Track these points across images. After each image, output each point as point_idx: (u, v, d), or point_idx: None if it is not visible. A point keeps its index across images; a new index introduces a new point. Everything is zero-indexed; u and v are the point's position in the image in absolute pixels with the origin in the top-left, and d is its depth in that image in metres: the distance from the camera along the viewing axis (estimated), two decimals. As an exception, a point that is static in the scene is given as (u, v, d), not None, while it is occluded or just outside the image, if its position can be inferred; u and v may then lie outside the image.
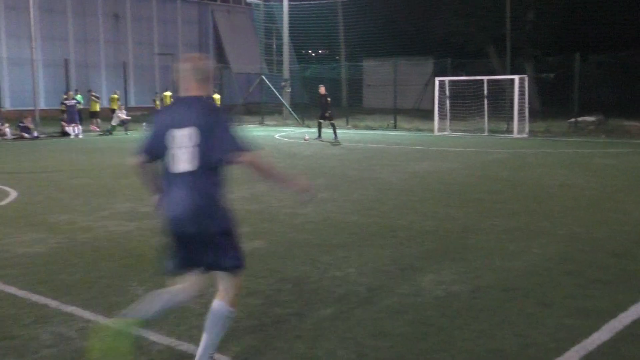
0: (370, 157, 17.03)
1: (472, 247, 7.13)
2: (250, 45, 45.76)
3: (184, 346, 4.32)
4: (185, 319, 4.83)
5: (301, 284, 5.76)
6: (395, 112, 29.60)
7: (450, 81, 26.65)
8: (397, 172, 13.63)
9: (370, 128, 22.50)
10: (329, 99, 22.71)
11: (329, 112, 22.67)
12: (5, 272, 6.12)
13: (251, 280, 5.84)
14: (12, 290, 5.57)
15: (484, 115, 25.56)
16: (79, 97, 27.58)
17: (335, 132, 22.29)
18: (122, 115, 27.40)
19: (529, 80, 24.86)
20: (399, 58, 32.51)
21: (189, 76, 3.78)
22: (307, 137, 22.66)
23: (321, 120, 23.10)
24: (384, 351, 4.27)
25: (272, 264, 6.43)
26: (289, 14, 34.60)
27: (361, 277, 5.98)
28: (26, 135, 24.29)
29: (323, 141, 22.13)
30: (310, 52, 48.25)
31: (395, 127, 28.87)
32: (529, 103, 24.73)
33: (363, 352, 4.25)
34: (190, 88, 3.79)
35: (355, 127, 29.66)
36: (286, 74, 35.04)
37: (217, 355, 4.14)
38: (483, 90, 25.32)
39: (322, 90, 22.96)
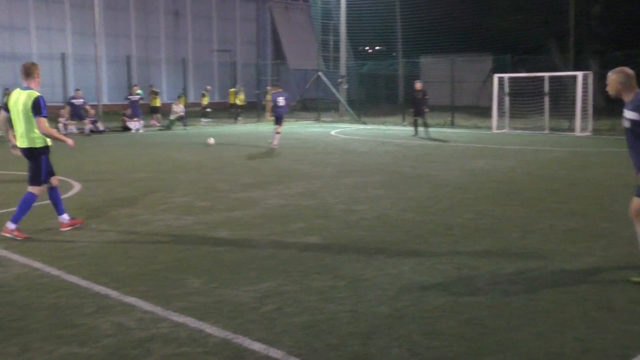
0: (427, 155, 16.86)
1: (529, 247, 6.98)
2: (307, 41, 45.90)
3: (239, 339, 4.36)
4: (240, 313, 4.88)
5: (355, 281, 5.75)
6: (453, 110, 29.23)
7: (509, 78, 26.12)
8: (454, 170, 13.46)
9: (427, 125, 22.34)
10: (426, 96, 22.66)
11: (426, 108, 22.59)
12: (68, 262, 6.32)
13: (305, 277, 5.86)
14: (75, 280, 5.74)
15: (544, 112, 24.96)
16: (139, 92, 28.22)
17: (418, 128, 22.90)
18: (179, 109, 27.91)
19: (593, 76, 24.12)
20: (457, 55, 32.07)
21: None
22: (211, 140, 20.03)
23: (417, 118, 22.97)
24: (438, 351, 4.22)
25: (327, 260, 6.44)
26: (346, 10, 34.54)
27: (416, 275, 5.93)
28: (91, 127, 25.00)
29: (424, 139, 21.94)
30: (367, 48, 48.08)
31: (452, 125, 28.51)
32: (593, 100, 24.00)
33: (417, 351, 4.21)
34: None
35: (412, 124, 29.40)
36: (343, 70, 35.01)
37: (272, 350, 4.17)
38: (544, 87, 24.72)
39: (418, 86, 22.91)
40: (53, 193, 7.79)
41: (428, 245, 7.10)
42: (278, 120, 18.75)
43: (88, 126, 24.75)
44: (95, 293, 5.39)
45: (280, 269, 6.14)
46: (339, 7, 34.82)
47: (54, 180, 7.78)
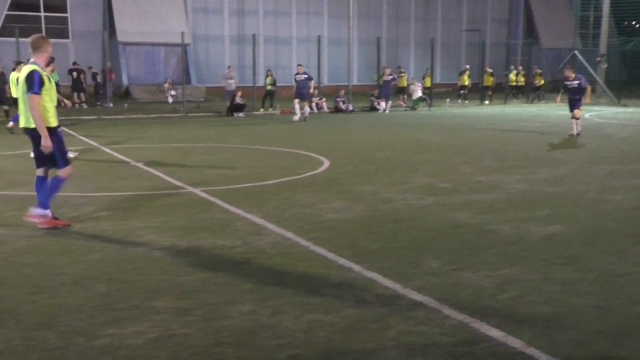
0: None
1: None
2: (562, 18, 43.13)
3: (477, 324, 4.31)
4: (479, 297, 4.82)
5: (605, 276, 5.34)
6: None
7: None
8: None
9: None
10: None
11: None
12: (317, 234, 6.74)
13: (549, 266, 5.59)
14: (322, 251, 6.12)
15: None
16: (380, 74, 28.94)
17: None
18: (418, 90, 28.09)
19: None
20: None
21: None
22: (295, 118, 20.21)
23: None
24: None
25: (572, 251, 6.06)
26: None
27: (678, 276, 5.33)
28: (341, 107, 26.29)
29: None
30: (633, 23, 43.78)
31: None
32: None
33: (675, 360, 3.80)
34: None
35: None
36: (603, 48, 32.34)
37: (510, 339, 4.07)
38: None
39: None
40: (44, 181, 7.06)
41: (695, 243, 6.33)
42: (573, 106, 16.62)
43: (324, 104, 26.25)
44: (340, 265, 5.69)
45: (522, 256, 5.93)
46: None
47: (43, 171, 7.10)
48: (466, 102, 31.26)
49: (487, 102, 31.61)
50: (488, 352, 3.92)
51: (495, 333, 4.17)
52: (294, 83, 23.40)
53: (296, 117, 22.45)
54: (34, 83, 6.64)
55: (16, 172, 10.82)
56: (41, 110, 6.70)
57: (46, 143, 6.68)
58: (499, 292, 4.98)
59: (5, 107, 21.36)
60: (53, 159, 6.91)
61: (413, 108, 27.88)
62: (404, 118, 23.88)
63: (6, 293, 4.95)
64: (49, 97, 6.87)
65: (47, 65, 7.25)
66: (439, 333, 4.20)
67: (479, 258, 5.87)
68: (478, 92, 32.62)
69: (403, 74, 30.47)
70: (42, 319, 4.42)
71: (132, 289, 5.05)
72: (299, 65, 24.32)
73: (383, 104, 26.94)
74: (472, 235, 6.70)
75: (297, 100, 22.66)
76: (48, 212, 6.95)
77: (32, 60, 6.86)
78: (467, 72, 32.53)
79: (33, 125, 6.76)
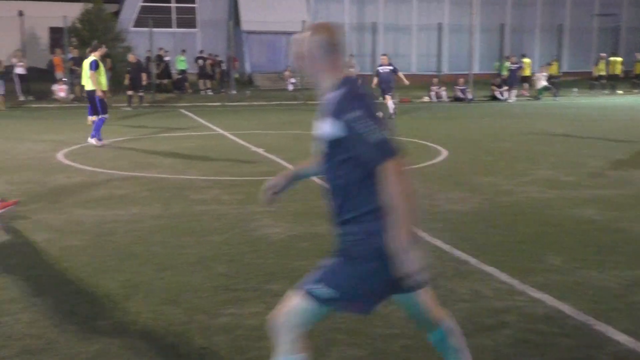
0: None
1: None
2: None
3: (601, 327, 4.11)
4: (604, 298, 4.59)
5: None
6: None
7: None
8: None
9: None
10: None
11: None
12: (433, 225, 6.65)
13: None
14: (438, 243, 6.04)
15: None
16: (507, 64, 27.99)
17: None
18: (542, 79, 26.95)
19: None
20: None
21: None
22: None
23: None
24: None
25: None
26: None
27: None
28: (461, 96, 25.76)
29: None
30: None
31: None
32: None
33: None
34: None
35: None
36: None
37: (638, 345, 3.84)
38: None
39: None
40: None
41: None
42: None
43: (443, 92, 25.58)
44: (456, 258, 5.60)
45: (654, 257, 5.58)
46: None
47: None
48: (619, 92, 29.32)
49: (620, 91, 29.82)
50: (613, 358, 3.73)
51: (622, 338, 3.95)
52: (375, 75, 19.98)
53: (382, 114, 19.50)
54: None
55: (146, 155, 11.45)
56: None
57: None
58: (627, 293, 4.71)
59: (140, 93, 22.57)
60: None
61: (537, 97, 26.84)
62: (527, 108, 23.02)
63: (137, 269, 5.27)
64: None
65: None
66: (560, 333, 4.04)
67: (605, 257, 5.57)
68: (611, 80, 30.81)
69: (525, 63, 29.32)
70: (168, 295, 4.67)
71: (251, 271, 5.22)
72: (382, 55, 20.51)
73: (506, 93, 26.10)
74: (598, 233, 6.37)
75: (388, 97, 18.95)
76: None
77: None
78: (604, 60, 30.68)
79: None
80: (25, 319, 4.22)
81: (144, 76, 21.32)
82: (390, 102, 18.97)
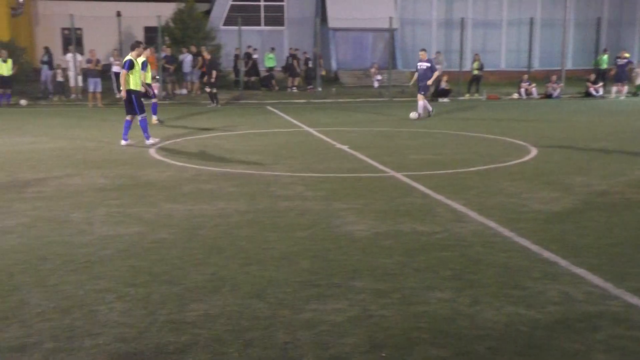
0: None
1: None
2: None
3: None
4: None
5: None
6: None
7: None
8: None
9: None
10: None
11: None
12: (520, 225, 6.48)
13: None
14: (526, 243, 5.86)
15: None
16: (605, 57, 26.80)
17: None
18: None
19: None
20: None
21: None
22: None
23: None
24: None
25: None
26: None
27: None
28: (552, 93, 24.91)
29: None
30: None
31: None
32: None
33: None
34: None
35: None
36: None
37: None
38: None
39: None
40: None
41: None
42: None
43: (533, 89, 24.69)
44: (544, 259, 5.42)
45: None
46: None
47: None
48: None
49: None
50: None
51: None
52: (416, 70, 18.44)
53: (414, 114, 17.43)
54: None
55: (233, 151, 11.71)
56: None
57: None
58: None
59: (208, 90, 22.69)
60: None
61: (635, 94, 25.61)
62: (624, 105, 22.00)
63: (223, 263, 5.39)
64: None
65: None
66: (656, 341, 3.84)
67: None
68: None
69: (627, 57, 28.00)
70: (253, 289, 4.76)
71: (334, 267, 5.24)
72: (421, 50, 18.44)
73: (601, 89, 25.03)
74: (701, 237, 6.02)
75: (420, 96, 17.81)
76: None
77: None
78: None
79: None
80: (119, 308, 4.41)
81: (213, 73, 21.69)
82: (420, 102, 17.68)
